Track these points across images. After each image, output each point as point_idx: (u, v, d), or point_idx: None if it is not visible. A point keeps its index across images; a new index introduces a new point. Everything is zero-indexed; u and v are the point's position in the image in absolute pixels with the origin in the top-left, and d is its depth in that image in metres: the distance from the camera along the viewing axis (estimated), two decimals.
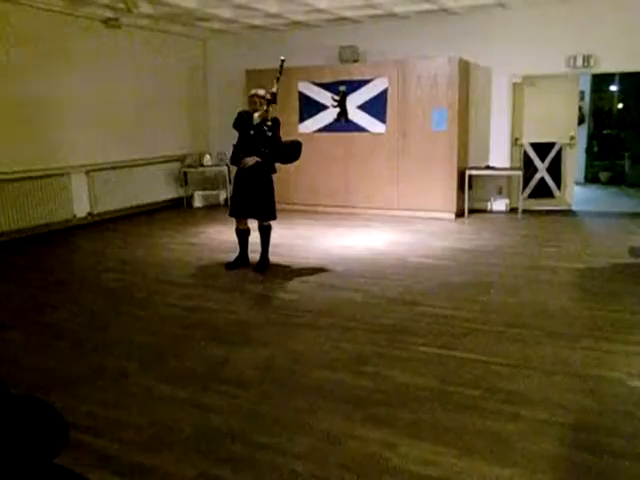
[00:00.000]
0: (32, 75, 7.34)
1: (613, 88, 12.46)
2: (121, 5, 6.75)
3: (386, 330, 4.04)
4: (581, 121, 11.36)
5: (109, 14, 7.86)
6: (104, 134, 8.41)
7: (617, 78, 12.04)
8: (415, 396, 3.07)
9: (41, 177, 7.51)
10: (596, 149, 12.46)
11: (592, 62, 7.79)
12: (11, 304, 4.88)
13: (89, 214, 8.31)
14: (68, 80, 7.83)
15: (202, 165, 9.68)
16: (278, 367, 3.50)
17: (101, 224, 8.24)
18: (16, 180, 7.20)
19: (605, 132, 12.58)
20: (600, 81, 11.85)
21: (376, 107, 8.38)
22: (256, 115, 5.32)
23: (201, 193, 9.83)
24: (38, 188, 7.47)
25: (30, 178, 7.37)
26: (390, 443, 2.64)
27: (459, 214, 8.30)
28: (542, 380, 3.22)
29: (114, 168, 8.58)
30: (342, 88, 8.56)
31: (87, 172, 8.22)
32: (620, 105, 12.55)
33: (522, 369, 3.36)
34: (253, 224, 5.75)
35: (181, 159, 9.79)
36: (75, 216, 8.06)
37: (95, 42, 8.16)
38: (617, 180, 11.75)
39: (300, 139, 5.77)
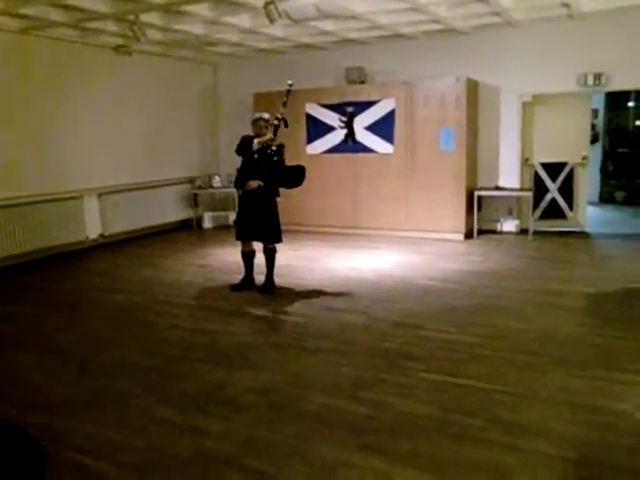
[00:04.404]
0: (47, 102, 7.48)
1: (630, 105, 12.26)
2: (130, 33, 6.88)
3: (388, 355, 3.97)
4: (595, 140, 11.20)
5: (119, 41, 8.00)
6: (116, 157, 8.51)
7: (633, 95, 11.83)
8: (414, 425, 2.99)
9: (55, 200, 7.60)
10: (611, 168, 12.23)
11: (603, 80, 7.68)
12: (23, 325, 4.94)
13: (101, 236, 8.37)
14: (81, 106, 7.97)
15: (212, 187, 9.75)
16: (276, 391, 3.46)
17: (112, 245, 8.30)
18: (31, 203, 7.28)
19: (620, 150, 12.37)
20: (616, 98, 11.63)
21: (384, 128, 8.36)
22: (256, 141, 5.38)
23: (211, 214, 9.90)
24: (52, 211, 7.54)
25: (44, 201, 7.45)
26: (386, 473, 2.57)
27: (468, 235, 8.20)
28: (546, 411, 3.11)
29: (125, 190, 8.66)
30: (350, 109, 8.57)
31: (99, 195, 8.30)
32: (638, 122, 12.32)
33: (526, 399, 3.25)
34: (258, 246, 5.75)
35: (191, 181, 9.87)
36: (87, 238, 8.13)
37: (107, 68, 8.31)
38: (633, 200, 11.50)
39: (305, 163, 5.72)
